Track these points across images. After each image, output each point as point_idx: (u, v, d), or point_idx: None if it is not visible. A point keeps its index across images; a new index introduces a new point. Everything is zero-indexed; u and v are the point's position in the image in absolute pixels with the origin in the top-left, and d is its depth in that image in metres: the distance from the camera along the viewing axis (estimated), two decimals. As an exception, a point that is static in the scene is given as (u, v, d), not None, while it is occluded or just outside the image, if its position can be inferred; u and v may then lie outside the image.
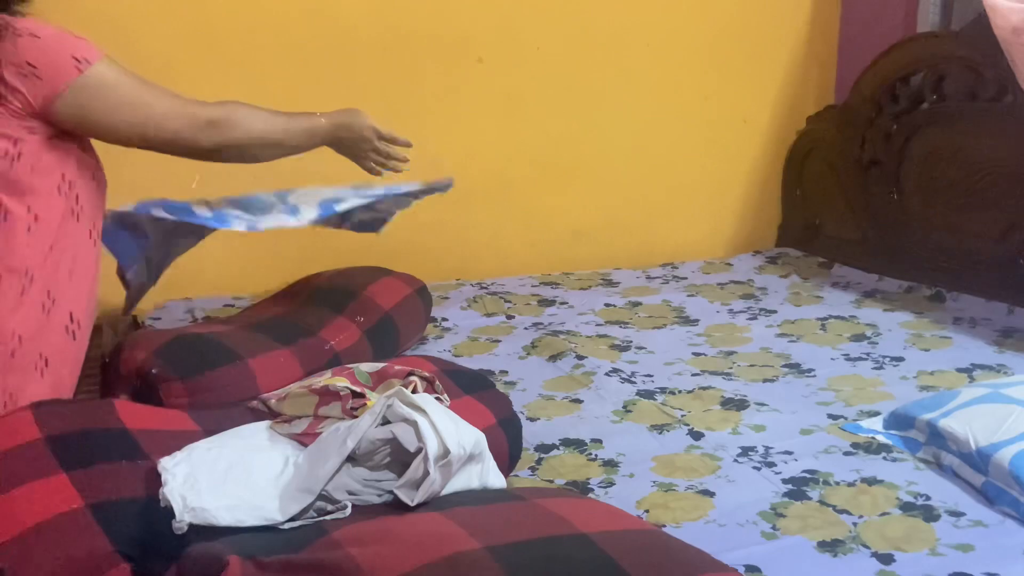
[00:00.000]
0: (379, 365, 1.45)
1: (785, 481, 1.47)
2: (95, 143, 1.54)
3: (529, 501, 1.12)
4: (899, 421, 1.62)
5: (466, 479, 1.18)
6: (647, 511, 1.38)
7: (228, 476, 1.12)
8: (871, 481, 1.46)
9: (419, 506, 1.11)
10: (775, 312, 2.45)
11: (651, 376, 1.97)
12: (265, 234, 2.67)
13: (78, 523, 1.04)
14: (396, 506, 1.12)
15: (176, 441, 1.21)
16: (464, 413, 1.44)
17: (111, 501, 1.08)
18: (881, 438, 1.61)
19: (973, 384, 1.76)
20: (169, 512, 1.07)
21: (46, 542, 1.02)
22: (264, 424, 1.29)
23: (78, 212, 1.46)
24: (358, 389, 1.29)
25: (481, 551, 0.95)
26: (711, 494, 1.43)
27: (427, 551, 0.95)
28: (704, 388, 1.89)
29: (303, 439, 1.24)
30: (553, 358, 2.10)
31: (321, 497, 1.11)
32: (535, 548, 0.97)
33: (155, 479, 1.12)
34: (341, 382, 1.33)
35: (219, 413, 1.40)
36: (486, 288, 2.72)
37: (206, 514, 1.06)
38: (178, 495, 1.06)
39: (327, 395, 1.28)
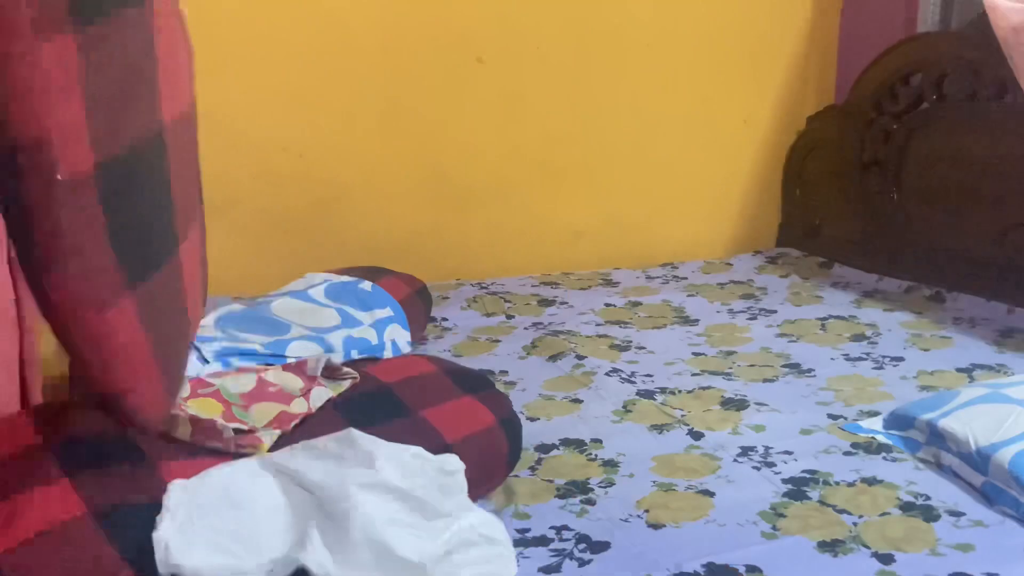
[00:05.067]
0: (252, 382, 1.37)
1: (785, 481, 1.47)
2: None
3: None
4: (899, 421, 1.62)
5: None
6: (647, 511, 1.38)
7: (224, 531, 1.08)
8: (871, 481, 1.46)
9: None
10: (775, 312, 2.45)
11: (651, 376, 1.97)
12: (264, 235, 2.69)
13: (82, 530, 1.03)
14: None
15: (176, 442, 1.20)
16: (464, 413, 1.45)
17: (115, 507, 1.07)
18: (881, 438, 1.61)
19: (973, 384, 1.76)
20: None
21: (50, 550, 1.01)
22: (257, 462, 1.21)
23: None
24: (241, 426, 1.23)
25: None
26: (711, 494, 1.43)
27: None
28: (704, 388, 1.89)
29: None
30: (553, 358, 2.10)
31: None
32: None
33: (158, 482, 1.12)
34: (211, 409, 1.25)
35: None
36: (486, 288, 2.72)
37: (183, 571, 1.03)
38: (163, 546, 1.03)
39: (205, 431, 1.21)
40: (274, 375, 1.40)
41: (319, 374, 1.41)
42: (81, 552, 1.02)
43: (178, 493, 1.07)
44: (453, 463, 1.27)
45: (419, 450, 1.24)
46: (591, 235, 3.04)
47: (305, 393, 1.37)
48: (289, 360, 1.78)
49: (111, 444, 1.17)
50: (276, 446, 1.25)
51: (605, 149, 3.00)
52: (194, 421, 1.22)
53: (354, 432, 1.20)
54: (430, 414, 1.42)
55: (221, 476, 1.12)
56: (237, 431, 1.23)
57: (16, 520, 1.04)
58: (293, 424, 1.30)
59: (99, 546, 1.03)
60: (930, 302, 2.47)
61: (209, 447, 1.22)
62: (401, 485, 1.12)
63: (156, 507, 1.09)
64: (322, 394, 1.39)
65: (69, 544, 1.02)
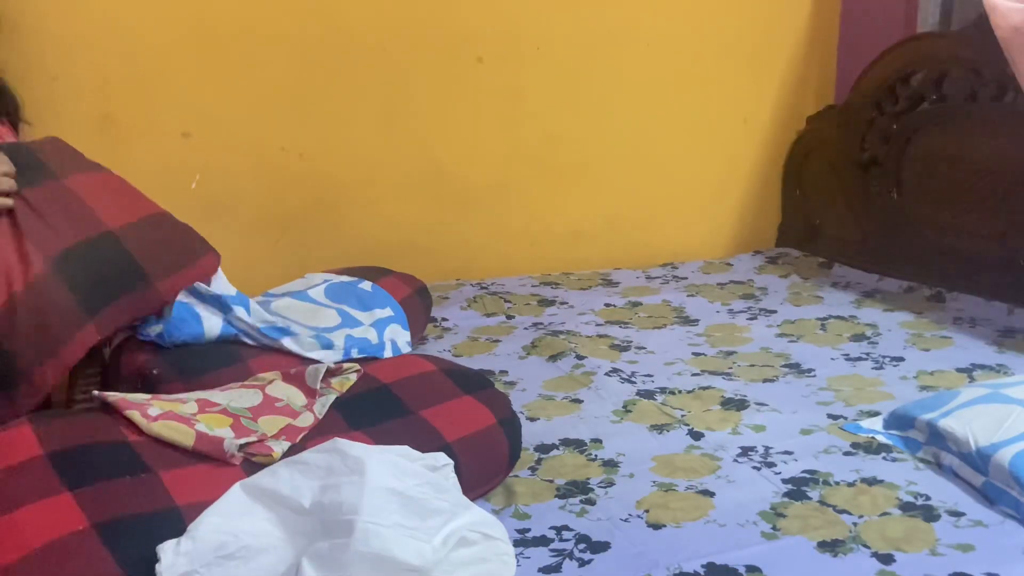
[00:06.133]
0: (258, 398, 1.37)
1: (785, 481, 1.47)
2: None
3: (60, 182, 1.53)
4: (899, 421, 1.62)
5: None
6: (647, 511, 1.38)
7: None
8: (871, 481, 1.46)
9: None
10: (775, 312, 2.45)
11: (651, 376, 1.97)
12: (264, 235, 2.69)
13: (84, 545, 1.03)
14: None
15: (178, 451, 1.20)
16: (464, 413, 1.45)
17: (116, 520, 1.07)
18: (881, 438, 1.61)
19: (973, 384, 1.76)
20: (176, 528, 1.07)
21: (51, 564, 1.01)
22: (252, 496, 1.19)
23: None
24: (251, 438, 1.25)
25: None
26: (711, 494, 1.43)
27: None
28: (704, 388, 1.89)
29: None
30: (553, 358, 2.10)
31: None
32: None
33: (161, 492, 1.12)
34: (220, 423, 1.26)
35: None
36: (486, 288, 2.72)
37: None
38: None
39: (209, 446, 1.22)
40: (278, 389, 1.40)
41: (318, 385, 1.41)
42: (83, 566, 1.02)
43: (170, 556, 1.06)
44: (441, 459, 1.27)
45: (406, 449, 1.24)
46: (591, 235, 3.04)
47: (309, 406, 1.37)
48: (284, 347, 1.78)
49: (112, 454, 1.17)
50: (286, 456, 1.25)
51: (605, 149, 2.99)
52: (200, 437, 1.21)
53: (339, 441, 1.20)
54: (430, 414, 1.42)
55: (211, 526, 1.10)
56: (246, 444, 1.23)
57: (18, 534, 1.03)
58: (301, 436, 1.30)
59: (101, 559, 1.03)
60: (930, 302, 2.47)
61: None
62: (396, 487, 1.12)
63: (158, 518, 1.09)
64: (326, 402, 1.39)
65: (71, 558, 1.02)
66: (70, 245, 1.48)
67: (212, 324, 1.71)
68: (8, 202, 1.47)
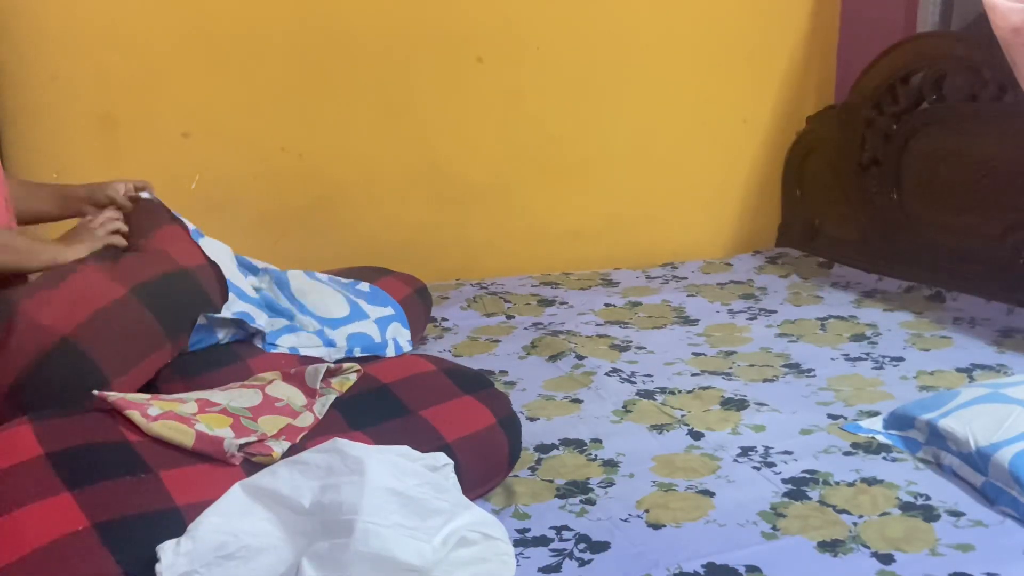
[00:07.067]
0: (258, 398, 1.37)
1: (785, 481, 1.47)
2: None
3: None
4: (899, 421, 1.62)
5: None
6: (647, 511, 1.38)
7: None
8: (871, 481, 1.46)
9: None
10: (775, 312, 2.45)
11: (651, 376, 1.97)
12: (264, 235, 2.69)
13: (83, 545, 1.03)
14: None
15: (178, 451, 1.20)
16: (463, 413, 1.45)
17: (116, 520, 1.07)
18: (881, 438, 1.61)
19: (973, 384, 1.76)
20: (176, 528, 1.07)
21: (51, 565, 1.01)
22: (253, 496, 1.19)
23: None
24: (251, 438, 1.24)
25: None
26: (711, 494, 1.43)
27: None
28: (704, 388, 1.89)
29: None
30: (553, 358, 2.10)
31: None
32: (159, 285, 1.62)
33: (161, 493, 1.12)
34: (220, 423, 1.25)
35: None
36: (486, 288, 2.72)
37: None
38: None
39: (209, 446, 1.22)
40: (278, 389, 1.40)
41: (318, 385, 1.41)
42: (83, 565, 1.02)
43: (170, 556, 1.06)
44: (441, 459, 1.27)
45: (406, 449, 1.24)
46: (591, 235, 3.04)
47: (309, 406, 1.37)
48: (279, 349, 1.78)
49: (112, 454, 1.17)
50: (285, 456, 1.25)
51: (605, 149, 3.00)
52: (200, 437, 1.21)
53: (339, 441, 1.20)
54: (429, 414, 1.42)
55: (211, 526, 1.10)
56: (246, 444, 1.23)
57: (18, 534, 1.03)
58: (301, 436, 1.29)
59: (101, 559, 1.02)
60: (930, 302, 2.47)
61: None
62: (396, 487, 1.12)
63: (158, 518, 1.09)
64: (326, 401, 1.39)
65: (71, 558, 1.02)
66: (148, 278, 1.62)
67: (226, 332, 1.73)
68: (122, 241, 1.73)
